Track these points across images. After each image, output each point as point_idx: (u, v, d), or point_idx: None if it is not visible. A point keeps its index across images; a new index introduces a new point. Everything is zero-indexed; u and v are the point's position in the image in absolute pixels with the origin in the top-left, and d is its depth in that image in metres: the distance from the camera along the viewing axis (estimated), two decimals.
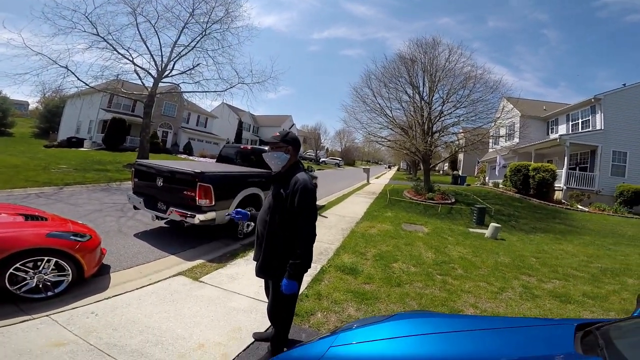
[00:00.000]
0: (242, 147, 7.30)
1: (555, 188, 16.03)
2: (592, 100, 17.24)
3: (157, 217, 5.01)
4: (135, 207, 5.37)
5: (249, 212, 2.42)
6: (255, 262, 2.23)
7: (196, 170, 4.53)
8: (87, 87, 14.64)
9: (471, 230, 8.33)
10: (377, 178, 27.79)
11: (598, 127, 16.80)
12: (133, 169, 5.41)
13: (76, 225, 3.61)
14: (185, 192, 4.54)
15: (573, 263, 5.84)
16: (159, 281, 3.48)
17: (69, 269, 3.12)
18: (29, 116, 43.06)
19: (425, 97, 14.10)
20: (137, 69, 15.03)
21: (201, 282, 3.55)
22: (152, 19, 14.54)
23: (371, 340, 1.45)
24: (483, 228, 8.57)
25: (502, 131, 18.72)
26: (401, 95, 14.46)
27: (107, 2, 13.66)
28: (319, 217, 7.47)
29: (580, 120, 18.64)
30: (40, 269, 2.99)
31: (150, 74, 15.41)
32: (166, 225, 5.84)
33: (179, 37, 15.39)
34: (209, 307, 3.00)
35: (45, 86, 13.97)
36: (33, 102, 47.65)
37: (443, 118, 14.11)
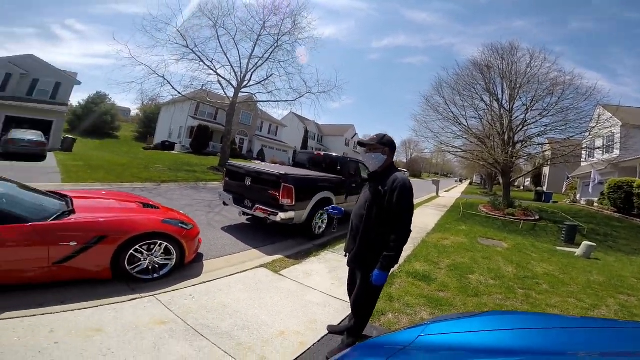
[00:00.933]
0: (315, 153, 7.73)
1: None
2: None
3: (243, 214, 5.60)
4: (224, 203, 6.01)
5: (342, 209, 2.63)
6: (346, 254, 2.42)
7: (281, 172, 4.97)
8: (180, 95, 16.84)
9: (559, 248, 7.50)
10: (447, 191, 26.34)
11: None
12: (225, 169, 6.12)
13: (180, 215, 4.12)
14: (270, 192, 4.99)
15: None
16: (244, 271, 3.85)
17: (175, 253, 3.47)
18: (130, 121, 49.68)
19: (505, 105, 13.08)
20: (220, 79, 16.82)
21: (281, 275, 3.87)
22: (231, 32, 16.25)
23: (463, 332, 1.51)
24: (573, 247, 7.65)
25: (598, 142, 16.36)
26: (477, 103, 13.64)
27: (193, 16, 15.68)
28: None
29: None
30: (153, 252, 3.36)
31: (231, 84, 17.08)
32: (248, 222, 6.44)
33: (254, 49, 16.89)
34: (288, 299, 3.25)
35: (144, 94, 16.53)
36: (134, 109, 55.96)
37: (526, 127, 12.90)
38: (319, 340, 2.60)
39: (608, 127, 16.07)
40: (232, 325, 2.64)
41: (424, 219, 9.42)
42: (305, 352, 2.43)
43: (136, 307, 2.77)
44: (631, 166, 16.79)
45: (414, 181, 10.43)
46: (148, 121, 39.89)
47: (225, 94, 17.42)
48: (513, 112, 13.03)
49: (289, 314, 2.94)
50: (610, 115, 17.28)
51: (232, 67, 16.84)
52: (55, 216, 2.99)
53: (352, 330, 2.45)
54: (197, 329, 2.53)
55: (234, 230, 5.79)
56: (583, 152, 17.20)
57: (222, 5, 16.09)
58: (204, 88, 17.37)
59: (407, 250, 5.58)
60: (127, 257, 3.20)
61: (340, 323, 2.87)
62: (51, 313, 2.51)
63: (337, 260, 4.56)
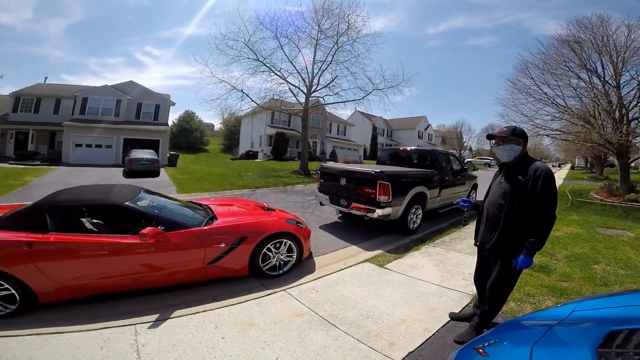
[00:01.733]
0: (401, 149, 7.82)
1: None
2: None
3: (340, 212, 5.98)
4: (321, 203, 6.47)
5: (472, 201, 2.77)
6: (476, 243, 2.62)
7: (376, 170, 5.23)
8: (258, 106, 18.20)
9: None
10: None
11: None
12: (319, 171, 6.55)
13: (293, 216, 4.51)
14: (366, 190, 5.26)
15: None
16: (351, 266, 4.12)
17: (295, 250, 3.84)
18: (215, 135, 54.94)
19: (610, 81, 11.38)
20: (291, 87, 17.68)
21: (386, 269, 4.08)
22: (293, 40, 16.96)
23: (618, 307, 1.57)
24: None
25: None
26: (574, 81, 12.11)
27: (257, 30, 16.56)
28: None
29: None
30: (279, 250, 3.73)
31: (302, 90, 17.88)
32: (340, 220, 6.81)
33: (315, 53, 17.41)
34: (401, 290, 3.43)
35: (225, 109, 18.40)
36: (217, 124, 62.30)
37: None
38: (442, 326, 2.75)
39: None
40: (356, 315, 2.91)
41: None
42: (430, 337, 2.60)
43: (274, 301, 3.12)
44: None
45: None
46: (231, 134, 43.99)
47: (298, 100, 18.32)
48: (621, 87, 11.24)
49: (406, 304, 3.13)
50: None
51: (299, 73, 17.57)
52: (205, 221, 3.51)
53: (486, 315, 2.55)
54: (328, 320, 2.82)
55: (330, 228, 6.19)
56: None
57: (278, 16, 17.13)
58: (275, 97, 18.32)
59: None
60: (261, 255, 3.61)
61: (461, 311, 2.99)
62: (209, 310, 2.91)
63: (440, 254, 4.63)
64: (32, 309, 2.80)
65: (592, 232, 6.18)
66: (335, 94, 17.78)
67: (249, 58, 16.62)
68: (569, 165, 51.68)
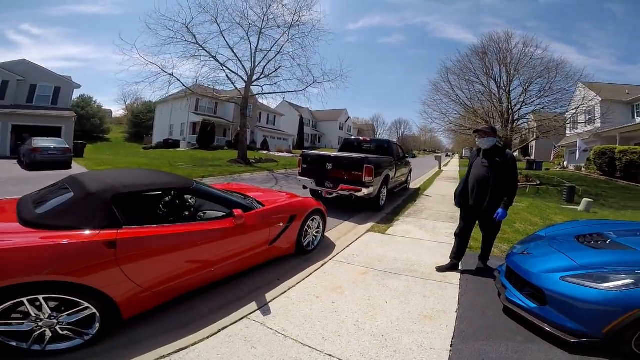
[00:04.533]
0: (362, 139, 9.02)
1: None
2: None
3: (327, 194, 6.71)
4: (304, 187, 7.13)
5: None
6: (466, 206, 3.59)
7: (362, 156, 6.27)
8: (191, 92, 17.33)
9: (564, 206, 9.14)
10: (445, 166, 28.14)
11: None
12: (301, 157, 7.17)
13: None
14: (353, 173, 6.19)
15: None
16: (361, 235, 4.86)
17: (321, 226, 4.20)
18: (115, 123, 48.29)
19: (504, 88, 14.73)
20: (229, 74, 17.25)
21: (389, 234, 5.08)
22: (234, 26, 16.61)
23: (570, 227, 3.05)
24: (574, 205, 9.29)
25: (582, 118, 18.34)
26: (478, 87, 15.32)
27: (199, 12, 15.70)
28: (424, 196, 8.93)
29: None
30: (312, 226, 4.04)
31: (242, 78, 17.66)
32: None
33: (258, 42, 17.33)
34: (414, 247, 4.47)
35: (127, 94, 17.03)
36: (116, 110, 54.78)
37: (523, 107, 14.68)
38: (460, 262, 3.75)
39: (590, 101, 17.96)
40: (403, 265, 3.76)
41: (448, 189, 10.68)
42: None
43: (334, 269, 3.55)
44: (611, 135, 18.77)
45: (412, 159, 11.51)
46: (138, 121, 39.52)
47: (236, 87, 18.02)
48: (511, 93, 14.69)
49: (427, 254, 4.16)
50: (591, 93, 19.17)
51: (240, 61, 17.32)
52: (257, 203, 3.54)
53: (487, 250, 3.67)
54: (389, 271, 3.55)
55: None
56: (568, 125, 19.10)
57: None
58: (209, 84, 17.73)
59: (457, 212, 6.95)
60: (303, 232, 3.86)
61: (442, 266, 3.76)
62: (292, 287, 3.09)
63: (416, 222, 5.91)
64: (114, 329, 2.24)
65: None
66: (274, 83, 17.99)
67: (185, 41, 15.77)
68: (457, 156, 61.41)
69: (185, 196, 3.34)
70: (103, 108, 40.41)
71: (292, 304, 2.80)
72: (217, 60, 16.77)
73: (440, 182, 13.39)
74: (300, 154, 7.52)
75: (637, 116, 20.05)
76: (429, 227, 5.59)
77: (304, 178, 7.00)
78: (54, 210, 2.31)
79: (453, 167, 25.45)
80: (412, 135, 68.75)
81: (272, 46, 17.47)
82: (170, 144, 28.71)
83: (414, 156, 11.55)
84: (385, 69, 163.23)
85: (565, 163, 23.62)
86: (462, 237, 3.67)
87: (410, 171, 10.52)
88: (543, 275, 2.46)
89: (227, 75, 17.35)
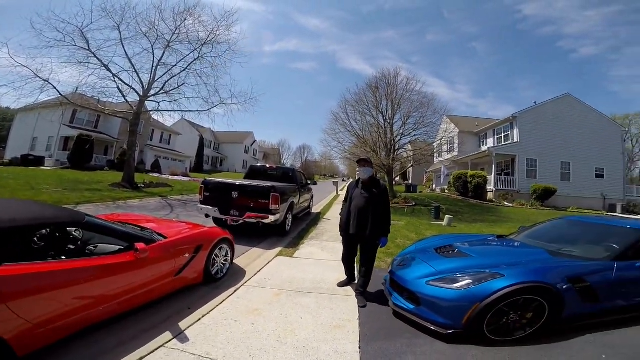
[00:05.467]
0: (268, 166, 9.27)
1: (488, 190, 20.10)
2: (511, 118, 21.88)
3: (233, 222, 6.57)
4: (207, 215, 6.84)
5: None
6: (343, 234, 3.93)
7: (269, 185, 6.51)
8: (69, 102, 15.07)
9: (433, 222, 11.17)
10: (342, 190, 30.45)
11: (516, 140, 21.36)
12: (202, 185, 6.92)
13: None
14: (260, 201, 6.35)
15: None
16: (271, 260, 5.10)
17: (229, 254, 4.38)
18: None
19: (388, 120, 17.26)
20: (121, 86, 15.52)
21: (297, 257, 5.46)
22: (139, 36, 15.32)
23: (431, 241, 3.87)
24: (440, 221, 11.44)
25: (445, 147, 22.79)
26: (370, 119, 17.59)
27: (104, 16, 14.23)
28: (324, 219, 9.63)
29: (503, 135, 23.30)
30: (219, 255, 4.14)
31: (137, 92, 16.00)
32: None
33: (163, 55, 16.07)
34: (319, 266, 4.93)
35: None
36: None
37: (404, 138, 17.41)
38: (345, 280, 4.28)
39: (451, 134, 22.58)
40: (311, 284, 4.16)
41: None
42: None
43: (248, 293, 3.73)
44: (465, 162, 23.81)
45: (314, 185, 12.43)
46: None
47: (127, 101, 16.19)
48: (393, 126, 17.33)
49: (331, 272, 4.62)
50: (452, 125, 24.15)
51: (137, 73, 15.75)
52: (158, 236, 3.46)
53: (367, 277, 3.78)
54: (300, 290, 3.92)
55: None
56: (435, 153, 23.48)
57: (128, 6, 14.99)
58: (94, 94, 15.32)
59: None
60: (211, 261, 3.95)
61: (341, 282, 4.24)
62: (206, 314, 3.14)
63: (319, 245, 6.46)
64: None
65: None
66: (174, 100, 16.63)
67: (75, 46, 13.74)
68: (352, 180, 67.81)
69: (69, 229, 3.06)
70: None
71: (210, 329, 2.87)
72: (109, 70, 14.92)
73: (338, 206, 14.51)
74: (201, 180, 7.29)
75: (482, 145, 25.87)
76: (330, 248, 6.17)
77: (206, 206, 6.77)
78: None
79: None
80: (315, 160, 72.75)
81: (179, 61, 16.31)
82: (30, 160, 23.31)
83: (315, 183, 12.17)
84: (296, 94, 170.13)
85: (434, 186, 28.69)
86: (348, 262, 4.11)
87: (312, 197, 11.25)
88: (415, 281, 3.12)
89: (118, 87, 15.50)
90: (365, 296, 3.72)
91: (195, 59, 16.22)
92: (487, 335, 2.77)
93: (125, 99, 16.04)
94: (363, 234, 3.66)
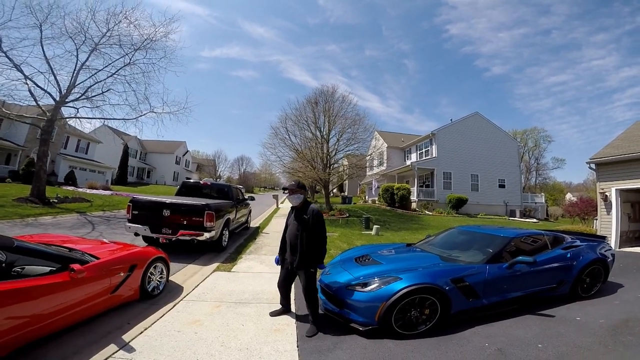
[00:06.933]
0: (202, 183, 9.24)
1: (412, 201, 22.32)
2: (430, 134, 24.60)
3: (166, 239, 6.49)
4: (136, 234, 6.59)
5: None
6: (285, 262, 3.76)
7: (203, 203, 6.59)
8: None
9: (363, 232, 12.19)
10: (282, 203, 30.70)
11: (434, 155, 24.05)
12: (130, 204, 6.63)
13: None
14: (194, 218, 6.37)
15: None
16: (209, 275, 5.29)
17: (164, 272, 4.54)
18: None
19: (325, 135, 18.29)
20: (33, 89, 13.83)
21: (235, 272, 5.69)
22: (64, 37, 14.05)
23: (355, 252, 4.56)
24: (369, 230, 12.53)
25: (375, 161, 24.74)
26: (308, 134, 18.44)
27: (26, 13, 12.92)
28: (263, 234, 9.92)
29: (424, 150, 26.02)
30: (155, 273, 4.29)
31: (53, 97, 14.45)
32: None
33: (88, 58, 14.82)
34: (257, 279, 5.26)
35: None
36: None
37: (339, 152, 18.63)
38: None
39: (380, 148, 24.59)
40: (251, 295, 4.47)
41: (282, 227, 12.14)
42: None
43: (188, 307, 3.90)
44: (392, 175, 26.04)
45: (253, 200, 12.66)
46: None
47: (39, 106, 14.38)
48: (329, 141, 18.41)
49: (269, 284, 4.89)
50: (381, 140, 26.30)
51: (54, 76, 14.24)
52: (91, 257, 3.55)
53: (315, 311, 3.59)
54: (239, 302, 4.21)
55: None
56: (367, 167, 25.33)
57: (57, 4, 13.71)
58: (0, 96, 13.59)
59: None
60: (147, 279, 4.10)
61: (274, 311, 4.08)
62: (149, 327, 3.31)
63: (257, 258, 6.75)
64: None
65: None
66: (96, 107, 15.16)
67: None
68: None
69: (28, 247, 3.04)
70: None
71: (154, 340, 3.06)
72: (21, 71, 13.29)
73: (277, 220, 14.90)
74: (125, 194, 7.09)
75: (407, 159, 28.45)
76: (269, 262, 6.49)
77: (135, 225, 6.54)
78: None
79: (289, 205, 28.10)
80: (254, 172, 71.62)
81: (106, 66, 15.02)
82: None
83: (252, 199, 12.18)
84: (233, 102, 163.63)
85: (367, 197, 30.72)
86: (284, 288, 3.86)
87: (250, 212, 11.43)
88: (337, 287, 3.72)
89: (29, 90, 13.74)
90: (317, 325, 3.54)
91: (125, 65, 15.24)
92: (396, 330, 3.36)
93: (37, 103, 14.31)
94: (294, 262, 3.58)
